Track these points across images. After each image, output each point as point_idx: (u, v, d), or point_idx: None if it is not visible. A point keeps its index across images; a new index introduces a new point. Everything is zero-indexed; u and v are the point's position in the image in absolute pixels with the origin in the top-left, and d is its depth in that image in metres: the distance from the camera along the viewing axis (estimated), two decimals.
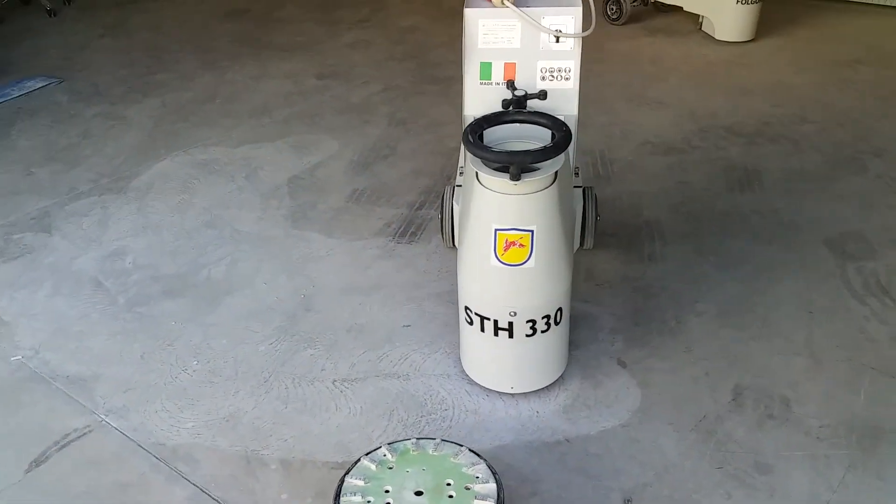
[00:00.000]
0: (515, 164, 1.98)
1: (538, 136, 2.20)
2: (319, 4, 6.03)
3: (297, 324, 2.70)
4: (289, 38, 5.37)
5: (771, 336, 2.58)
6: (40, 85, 4.69)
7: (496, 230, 2.09)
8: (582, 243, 2.92)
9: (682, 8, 5.22)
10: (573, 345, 2.55)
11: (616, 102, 4.26)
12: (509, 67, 2.47)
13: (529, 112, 2.15)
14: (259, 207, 3.39)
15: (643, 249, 3.03)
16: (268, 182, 3.59)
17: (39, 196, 3.53)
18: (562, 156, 2.06)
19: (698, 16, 5.19)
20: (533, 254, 2.10)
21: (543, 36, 2.44)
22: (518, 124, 2.24)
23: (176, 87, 4.64)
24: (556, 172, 2.08)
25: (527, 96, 2.38)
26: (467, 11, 2.44)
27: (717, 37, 5.05)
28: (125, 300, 2.86)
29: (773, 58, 4.81)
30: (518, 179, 2.01)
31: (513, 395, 2.37)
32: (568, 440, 2.23)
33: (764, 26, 5.08)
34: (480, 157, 2.02)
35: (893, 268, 2.86)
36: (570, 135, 2.05)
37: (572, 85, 2.47)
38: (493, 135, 2.23)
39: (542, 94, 2.38)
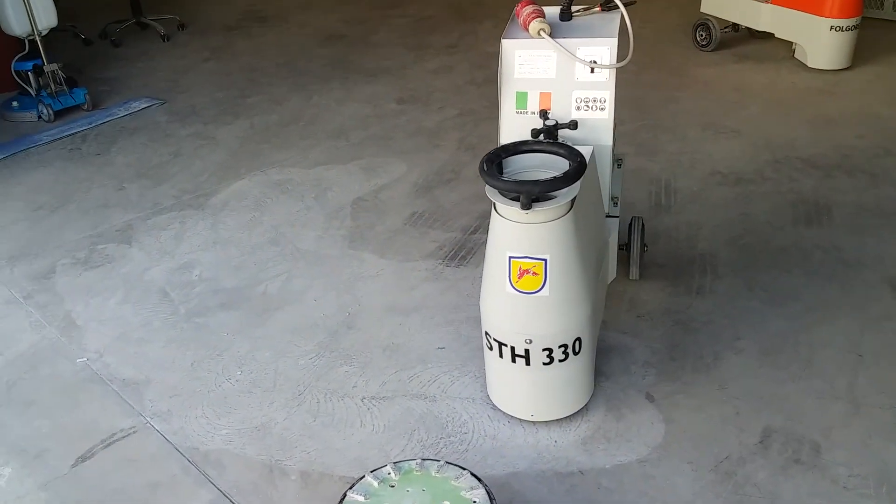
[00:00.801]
0: (524, 194, 2.01)
1: (563, 167, 2.21)
2: (413, 30, 6.20)
3: (338, 340, 2.80)
4: (377, 63, 5.55)
5: (812, 377, 2.48)
6: (144, 105, 5.03)
7: (510, 257, 2.12)
8: (628, 273, 2.91)
9: (774, 34, 5.06)
10: (603, 375, 2.53)
11: (690, 130, 4.19)
12: (545, 97, 2.50)
13: (545, 142, 2.18)
14: (322, 227, 3.53)
15: (692, 282, 2.97)
16: (334, 202, 3.73)
17: (126, 210, 3.80)
18: (576, 185, 2.07)
19: (791, 42, 5.03)
20: (547, 282, 2.12)
21: (579, 66, 2.46)
22: (545, 154, 2.27)
23: (265, 109, 4.88)
24: (573, 201, 2.10)
25: (557, 126, 2.40)
26: (504, 42, 2.49)
27: (809, 64, 4.87)
28: (185, 310, 3.04)
29: (867, 87, 4.60)
30: (529, 209, 2.03)
31: (533, 422, 2.38)
32: (581, 472, 2.22)
33: (862, 53, 4.87)
34: (492, 186, 2.06)
35: None
36: (584, 165, 2.06)
37: (607, 115, 2.47)
38: (517, 163, 2.26)
39: (573, 125, 2.40)
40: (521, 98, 2.53)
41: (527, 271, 2.12)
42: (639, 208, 3.47)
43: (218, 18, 6.81)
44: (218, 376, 2.69)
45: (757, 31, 5.16)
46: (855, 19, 4.69)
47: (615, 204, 2.69)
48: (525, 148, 2.18)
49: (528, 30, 2.49)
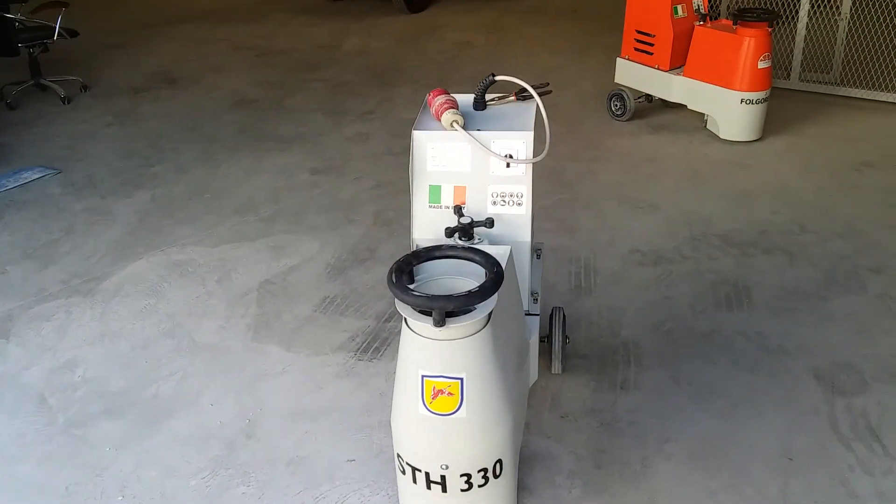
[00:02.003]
0: (437, 310, 1.79)
1: (479, 272, 2.01)
2: (329, 94, 6.00)
3: (236, 453, 2.51)
4: (291, 129, 5.31)
5: (743, 486, 2.31)
6: (37, 176, 4.66)
7: (423, 376, 1.89)
8: (550, 367, 2.71)
9: (686, 105, 5.05)
10: (527, 490, 2.31)
11: (607, 204, 4.08)
12: (459, 191, 2.31)
13: (460, 247, 1.97)
14: (223, 315, 3.24)
15: (616, 375, 2.79)
16: (238, 286, 3.45)
17: (6, 297, 3.43)
18: (493, 298, 1.87)
19: (704, 113, 5.02)
20: (464, 403, 1.90)
21: (494, 160, 2.28)
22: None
23: (169, 180, 4.57)
24: (490, 314, 1.89)
25: (472, 224, 2.21)
26: (416, 133, 2.30)
27: (721, 136, 4.87)
28: (64, 419, 2.69)
29: (779, 159, 4.60)
30: (442, 325, 1.82)
31: None
32: None
33: (772, 124, 4.90)
34: (402, 301, 1.84)
35: (886, 406, 2.59)
36: (501, 276, 1.86)
37: (524, 210, 2.30)
38: (430, 268, 2.05)
39: (489, 222, 2.21)
40: (435, 191, 2.34)
41: (441, 391, 1.89)
42: (559, 291, 3.30)
43: (124, 80, 6.48)
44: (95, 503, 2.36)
45: (670, 101, 5.15)
46: (764, 92, 4.71)
47: (535, 300, 2.50)
48: (438, 254, 1.97)
49: (440, 120, 2.30)
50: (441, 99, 2.34)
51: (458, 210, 2.25)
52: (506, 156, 2.27)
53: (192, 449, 2.53)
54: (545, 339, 2.72)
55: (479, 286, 1.82)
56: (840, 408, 2.60)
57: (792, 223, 3.83)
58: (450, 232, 2.19)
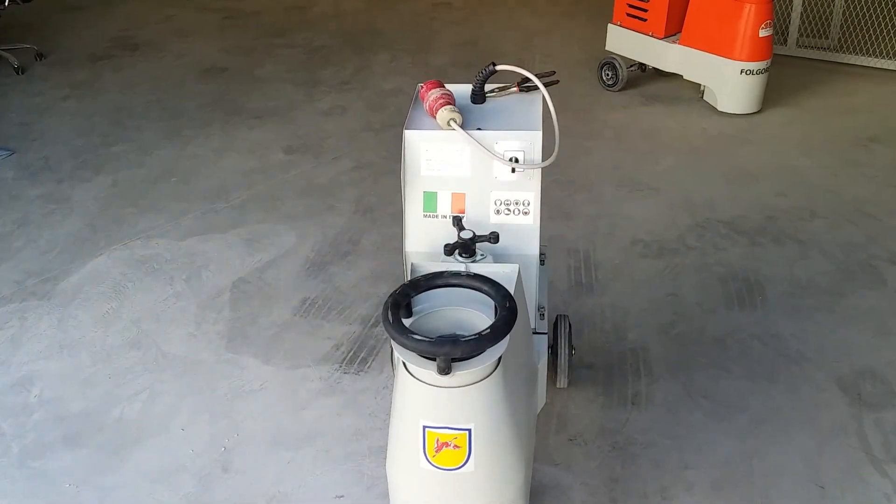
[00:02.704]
0: (442, 357, 1.53)
1: (485, 301, 1.75)
2: (302, 62, 5.63)
3: (211, 489, 2.25)
4: (262, 103, 4.96)
5: None
6: None
7: (425, 427, 1.64)
8: (555, 381, 2.48)
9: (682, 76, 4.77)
10: None
11: (605, 188, 3.82)
12: (457, 198, 2.03)
13: (465, 275, 1.70)
14: (193, 321, 2.95)
15: (626, 388, 2.56)
16: (209, 286, 3.16)
17: None
18: (505, 340, 1.61)
19: (700, 84, 4.75)
20: (472, 456, 1.65)
21: (498, 163, 2.00)
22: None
23: (131, 161, 4.23)
24: (500, 357, 1.64)
25: (475, 239, 1.93)
26: (407, 133, 2.01)
27: (719, 108, 4.60)
28: (19, 449, 2.42)
29: (780, 134, 4.36)
30: (448, 373, 1.56)
31: None
32: None
33: (771, 94, 4.64)
34: (400, 345, 1.57)
35: None
36: (514, 313, 1.59)
37: (532, 220, 2.03)
38: (431, 296, 1.78)
39: (494, 237, 1.93)
40: (430, 199, 2.06)
41: (446, 444, 1.64)
42: (559, 288, 3.05)
43: (83, 46, 6.04)
44: None
45: (665, 71, 4.86)
46: (765, 62, 4.44)
47: (542, 316, 2.25)
48: (439, 282, 1.70)
49: (435, 117, 2.01)
50: (436, 93, 2.04)
51: (458, 222, 1.98)
52: (511, 159, 2.00)
53: (163, 484, 2.27)
54: (549, 349, 2.48)
55: (489, 327, 1.56)
56: (869, 424, 2.40)
57: (800, 207, 3.60)
58: (449, 249, 1.92)
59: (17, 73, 5.50)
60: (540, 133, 2.00)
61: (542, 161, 1.99)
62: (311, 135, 4.49)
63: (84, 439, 2.44)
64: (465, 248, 1.93)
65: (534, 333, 2.19)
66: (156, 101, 5.01)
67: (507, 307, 1.59)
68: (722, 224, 3.48)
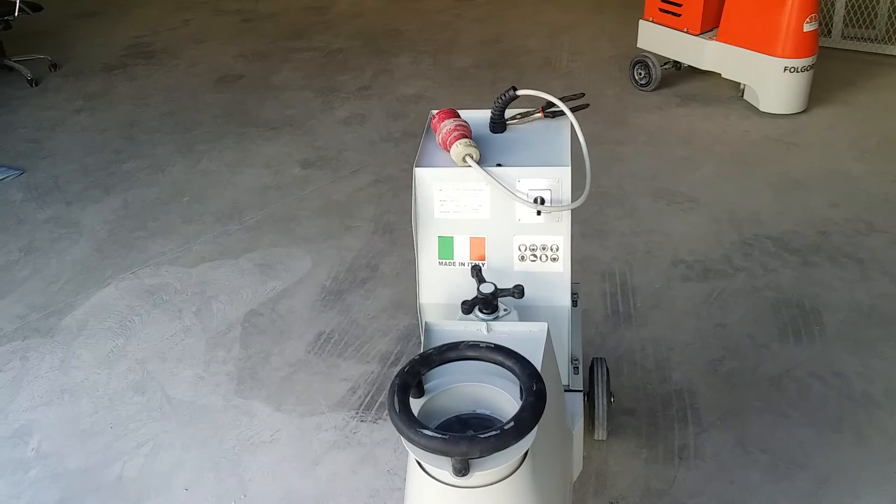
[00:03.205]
0: (458, 458, 1.29)
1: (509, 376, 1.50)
2: (320, 67, 5.40)
3: None
4: (278, 112, 4.74)
5: None
6: None
7: None
8: (592, 431, 2.22)
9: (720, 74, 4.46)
10: None
11: (640, 200, 3.53)
12: (476, 244, 1.78)
13: (488, 347, 1.44)
14: (202, 360, 2.74)
15: (672, 439, 2.30)
16: (220, 319, 2.94)
17: None
18: (532, 433, 1.35)
19: (739, 82, 4.44)
20: None
21: (521, 204, 1.75)
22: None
23: (143, 180, 4.03)
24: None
25: (496, 293, 1.68)
26: (418, 171, 1.76)
27: (761, 108, 4.29)
28: None
29: (829, 135, 4.03)
30: (464, 474, 1.31)
31: None
32: None
33: (815, 91, 4.31)
34: (409, 441, 1.33)
35: None
36: (543, 398, 1.34)
37: (561, 267, 1.77)
38: (445, 368, 1.53)
39: (518, 291, 1.68)
40: (446, 245, 1.81)
41: None
42: (593, 319, 2.79)
43: (97, 54, 5.87)
44: None
45: (701, 69, 4.55)
46: (811, 59, 4.12)
47: (576, 370, 1.99)
48: (455, 355, 1.45)
49: (449, 152, 1.76)
50: (449, 124, 1.79)
51: (477, 273, 1.72)
52: (535, 200, 1.74)
53: None
54: (586, 396, 2.22)
55: (513, 419, 1.30)
56: None
57: (856, 220, 3.29)
58: (468, 307, 1.66)
59: (31, 86, 5.35)
60: (569, 169, 1.74)
61: (572, 201, 1.73)
62: (329, 146, 4.26)
63: (81, 501, 2.24)
64: (486, 303, 1.68)
65: (567, 391, 1.93)
66: (169, 114, 4.81)
67: (534, 391, 1.34)
68: (771, 241, 3.19)
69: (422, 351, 1.51)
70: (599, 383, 2.20)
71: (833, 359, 2.56)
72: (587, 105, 1.95)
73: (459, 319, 1.68)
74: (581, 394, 1.96)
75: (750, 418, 2.35)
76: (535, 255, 1.79)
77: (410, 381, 1.40)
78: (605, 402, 2.20)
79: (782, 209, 3.41)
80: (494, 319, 1.69)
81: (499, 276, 1.79)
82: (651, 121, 4.30)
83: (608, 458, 2.24)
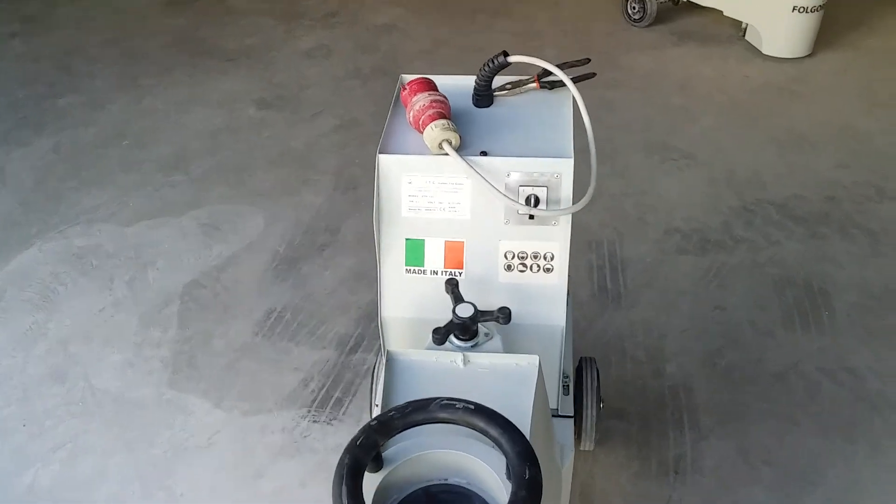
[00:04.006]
0: None
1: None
2: None
3: None
4: (236, 41, 4.26)
5: None
6: None
7: None
8: (578, 443, 1.93)
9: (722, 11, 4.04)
10: None
11: (632, 156, 3.18)
12: (453, 250, 1.44)
13: (466, 408, 1.12)
14: (133, 342, 2.39)
15: (666, 447, 2.02)
16: (156, 291, 2.58)
17: None
18: None
19: (741, 21, 4.03)
20: None
21: (511, 202, 1.39)
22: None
23: (79, 118, 3.59)
24: None
25: (476, 317, 1.34)
26: (383, 159, 1.40)
27: (764, 51, 3.90)
28: None
29: (836, 84, 3.67)
30: None
31: None
32: None
33: (822, 33, 3.92)
34: None
35: None
36: (538, 489, 1.02)
37: (557, 280, 1.43)
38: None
39: (504, 316, 1.34)
40: (415, 249, 1.46)
41: None
42: (578, 298, 2.47)
43: None
44: None
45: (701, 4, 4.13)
46: None
47: (566, 389, 1.68)
48: (423, 417, 1.12)
49: (422, 133, 1.39)
50: (423, 100, 1.41)
51: (453, 289, 1.38)
52: (528, 199, 1.38)
53: None
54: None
55: None
56: None
57: (866, 184, 2.97)
58: (440, 337, 1.32)
59: None
60: (571, 161, 1.39)
61: (574, 203, 1.38)
62: (290, 83, 3.83)
63: None
64: (464, 329, 1.35)
65: (555, 416, 1.62)
66: (113, 41, 4.31)
67: (525, 479, 1.01)
68: (774, 207, 2.87)
69: (379, 409, 1.19)
70: (589, 391, 1.88)
71: (844, 351, 2.27)
72: (593, 74, 1.58)
73: (429, 349, 1.35)
74: (571, 420, 1.64)
75: (753, 423, 2.07)
76: (524, 265, 1.44)
77: (364, 458, 1.07)
78: (594, 412, 1.89)
79: (786, 169, 3.07)
80: (473, 347, 1.36)
81: (480, 289, 1.44)
82: (644, 63, 3.91)
83: (594, 470, 1.96)
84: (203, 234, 2.84)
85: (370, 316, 2.44)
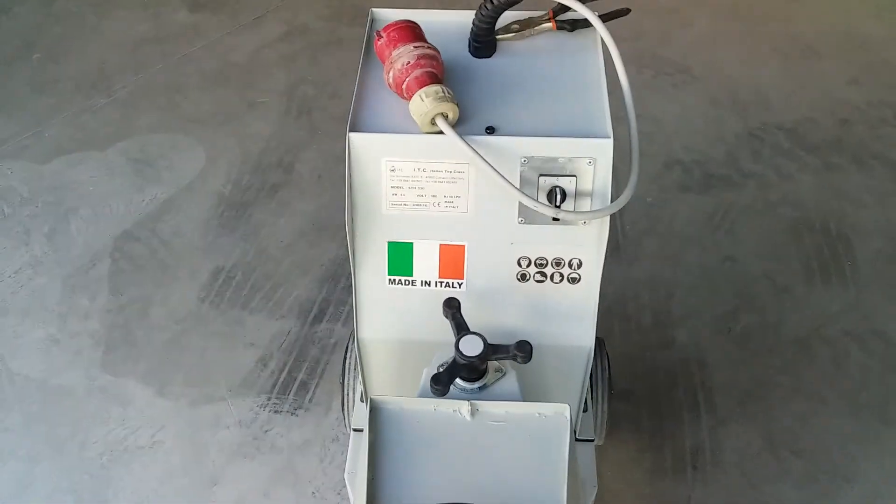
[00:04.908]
0: None
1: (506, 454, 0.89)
2: None
3: None
4: None
5: None
6: None
7: None
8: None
9: None
10: None
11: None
12: (451, 255, 1.10)
13: None
14: (57, 312, 2.02)
15: (682, 436, 1.77)
16: (81, 246, 2.19)
17: None
18: None
19: None
20: None
21: (528, 200, 1.05)
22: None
23: None
24: None
25: (488, 354, 1.02)
26: (356, 138, 1.02)
27: None
28: None
29: None
30: None
31: None
32: None
33: None
34: None
35: None
36: None
37: (585, 292, 1.11)
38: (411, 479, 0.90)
39: (524, 353, 1.03)
40: (401, 254, 1.11)
41: None
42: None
43: None
44: None
45: None
46: None
47: (585, 407, 1.39)
48: None
49: (407, 100, 1.02)
50: (407, 54, 1.03)
51: (454, 313, 1.05)
52: (551, 193, 1.04)
53: None
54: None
55: None
56: None
57: (881, 104, 2.67)
58: (441, 387, 1.00)
59: None
60: (611, 142, 1.04)
61: (612, 200, 1.05)
62: None
63: None
64: (472, 370, 1.03)
65: (577, 441, 1.34)
66: None
67: None
68: (783, 133, 2.56)
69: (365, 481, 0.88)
70: (599, 381, 1.60)
71: (871, 309, 2.03)
72: (627, 10, 1.20)
73: (423, 395, 1.03)
74: (593, 444, 1.37)
75: (776, 403, 1.83)
76: (543, 274, 1.11)
77: None
78: (605, 406, 1.62)
79: (793, 86, 2.74)
80: (482, 389, 1.04)
81: (484, 304, 1.12)
82: None
83: (603, 468, 1.70)
84: (133, 173, 2.42)
85: (335, 276, 2.11)
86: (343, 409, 1.53)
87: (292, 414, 1.81)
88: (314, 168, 2.43)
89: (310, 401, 1.83)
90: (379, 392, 1.28)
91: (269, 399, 1.84)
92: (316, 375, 1.88)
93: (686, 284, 2.09)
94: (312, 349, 1.94)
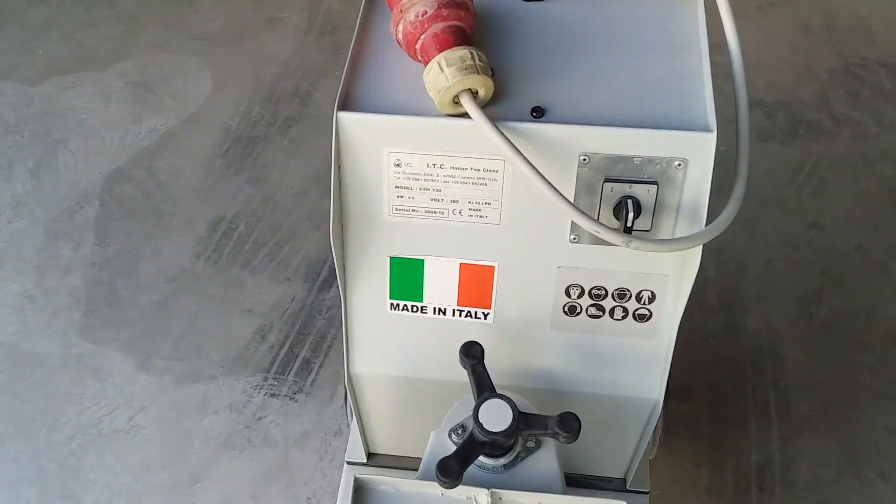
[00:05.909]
0: None
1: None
2: None
3: None
4: None
5: None
6: None
7: None
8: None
9: None
10: None
11: None
12: (476, 277, 0.77)
13: None
14: (35, 265, 1.77)
15: (748, 448, 1.47)
16: (69, 185, 1.93)
17: None
18: None
19: None
20: None
21: (584, 220, 0.71)
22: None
23: None
24: None
25: (517, 427, 0.71)
26: (346, 118, 0.69)
27: None
28: None
29: None
30: None
31: None
32: None
33: None
34: None
35: None
36: None
37: (656, 334, 0.78)
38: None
39: (569, 430, 0.71)
40: (407, 273, 0.81)
41: None
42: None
43: None
44: None
45: None
46: None
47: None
48: None
49: (422, 63, 0.69)
50: (420, 4, 0.68)
51: (474, 363, 0.75)
52: (618, 208, 0.70)
53: None
54: None
55: None
56: None
57: None
58: (450, 482, 0.70)
59: None
60: (713, 136, 0.69)
61: (709, 223, 0.71)
62: None
63: None
64: (499, 447, 0.73)
65: (628, 492, 1.05)
66: None
67: None
68: (886, 71, 2.13)
69: None
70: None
71: None
72: None
73: (424, 479, 0.74)
74: (647, 497, 1.07)
75: (862, 410, 1.51)
76: (600, 308, 0.79)
77: None
78: (661, 420, 1.32)
79: None
80: (507, 466, 0.75)
81: (518, 344, 0.81)
82: None
83: (657, 483, 1.41)
84: (132, 99, 2.12)
85: None
86: (345, 405, 1.26)
87: (291, 399, 1.55)
88: (335, 100, 2.09)
89: (312, 383, 1.57)
90: (377, 430, 0.99)
91: (265, 379, 1.57)
92: (321, 353, 1.61)
93: (761, 256, 1.74)
94: (319, 320, 1.66)
